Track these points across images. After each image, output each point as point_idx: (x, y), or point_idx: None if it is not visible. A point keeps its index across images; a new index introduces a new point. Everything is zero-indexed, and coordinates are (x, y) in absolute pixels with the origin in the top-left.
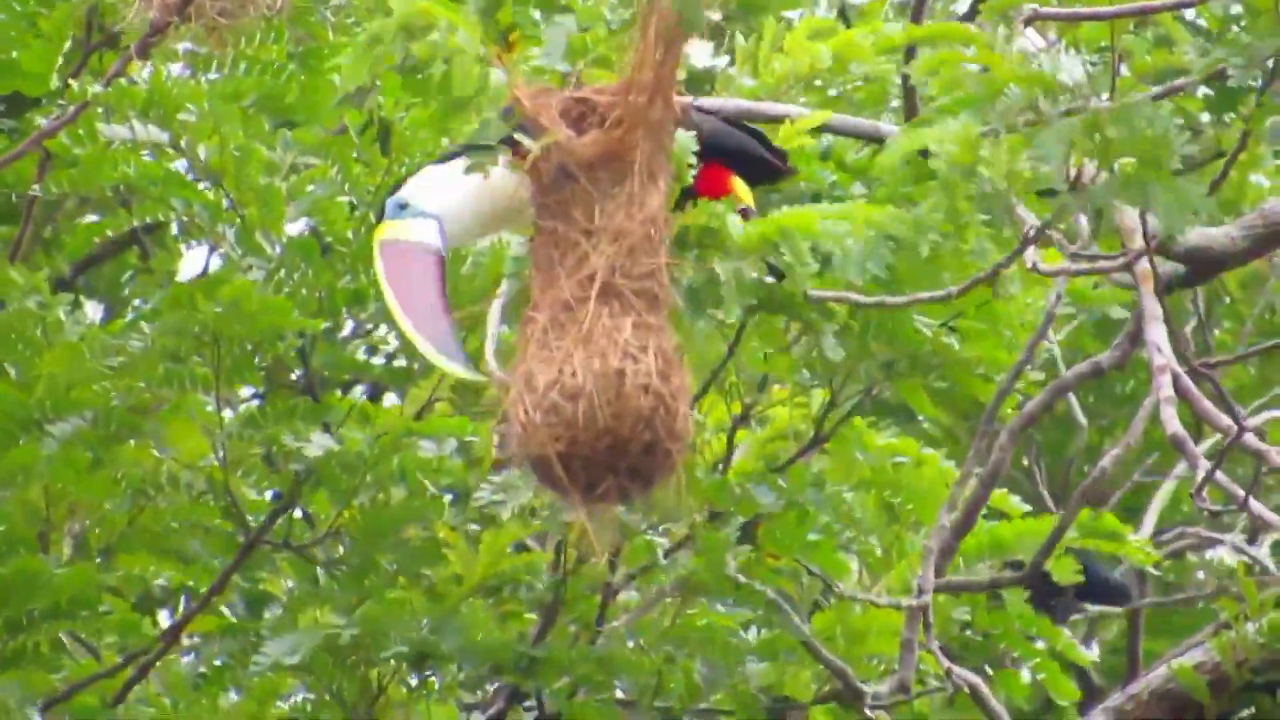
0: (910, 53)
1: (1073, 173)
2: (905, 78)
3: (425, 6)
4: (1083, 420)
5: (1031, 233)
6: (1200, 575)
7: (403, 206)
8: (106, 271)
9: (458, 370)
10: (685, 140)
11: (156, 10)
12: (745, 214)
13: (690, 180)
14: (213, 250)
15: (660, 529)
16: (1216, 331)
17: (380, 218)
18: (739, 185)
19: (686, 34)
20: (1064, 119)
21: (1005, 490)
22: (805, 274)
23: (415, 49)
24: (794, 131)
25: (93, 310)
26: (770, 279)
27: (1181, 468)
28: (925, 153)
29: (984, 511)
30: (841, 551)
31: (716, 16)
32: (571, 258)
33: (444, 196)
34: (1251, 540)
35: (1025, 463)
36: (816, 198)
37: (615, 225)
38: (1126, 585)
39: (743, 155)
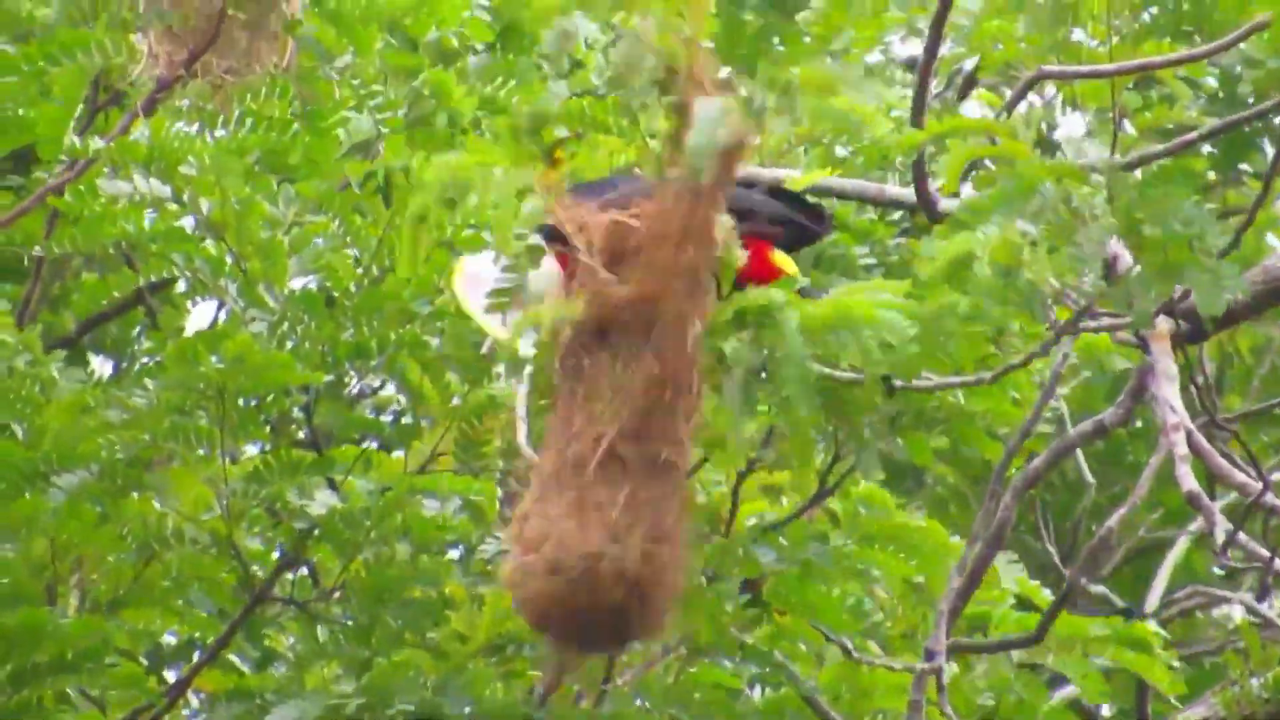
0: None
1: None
2: (917, 164)
3: (460, 165)
4: (1090, 479)
5: (1062, 322)
6: (1211, 632)
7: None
8: (114, 329)
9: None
10: (726, 220)
11: (163, 67)
12: (803, 293)
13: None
14: (220, 306)
15: None
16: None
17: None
18: (783, 261)
19: (694, 179)
20: (1100, 222)
21: (1019, 562)
22: (876, 372)
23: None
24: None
25: (100, 365)
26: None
27: (1194, 526)
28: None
29: (1010, 601)
30: (865, 634)
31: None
32: (590, 407)
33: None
34: (1261, 598)
35: (1033, 522)
36: (819, 260)
37: (635, 385)
38: None
39: (781, 222)
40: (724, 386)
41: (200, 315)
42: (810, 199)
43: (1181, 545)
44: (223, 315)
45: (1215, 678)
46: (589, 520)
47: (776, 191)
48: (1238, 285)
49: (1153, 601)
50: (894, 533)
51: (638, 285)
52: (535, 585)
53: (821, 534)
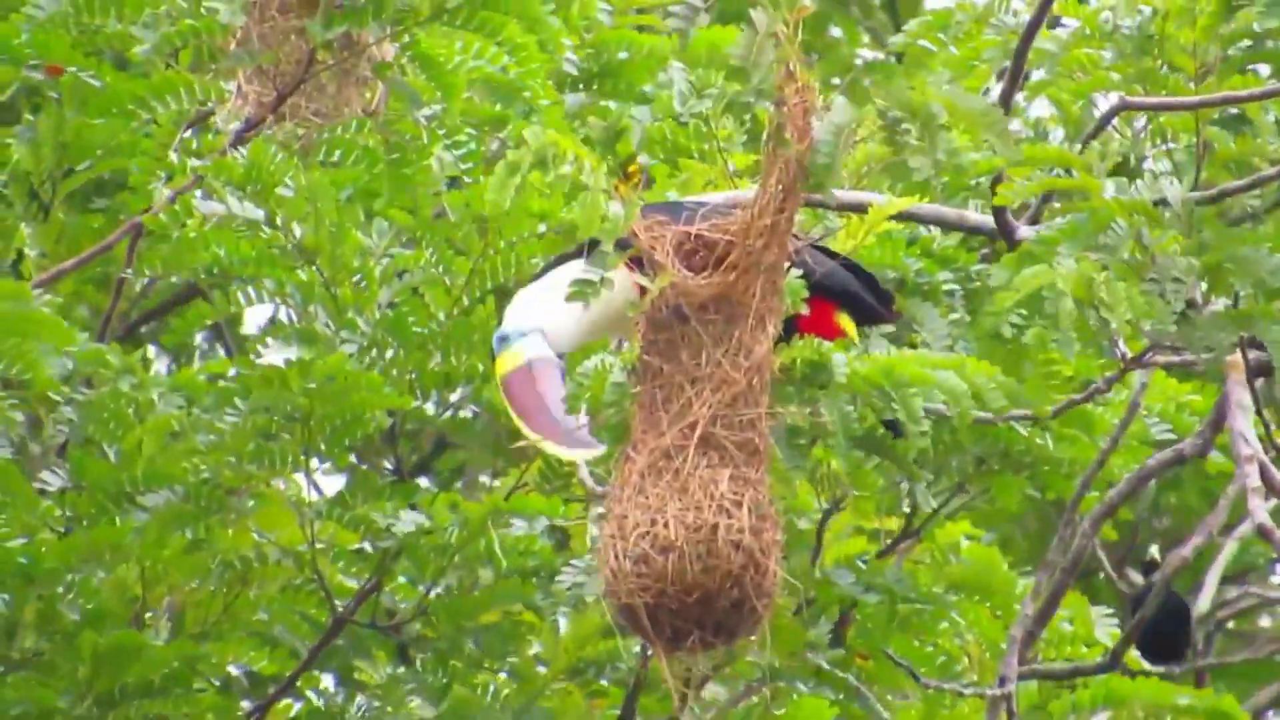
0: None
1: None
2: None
3: (557, 139)
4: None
5: (1131, 356)
6: (1264, 622)
7: (504, 339)
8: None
9: (592, 453)
10: (796, 284)
11: (251, 107)
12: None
13: (795, 313)
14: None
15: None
16: None
17: (493, 357)
18: (846, 323)
19: (817, 191)
20: (1179, 259)
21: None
22: (917, 432)
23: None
24: (877, 216)
25: (154, 355)
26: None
27: (1244, 528)
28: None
29: (1103, 661)
30: (951, 683)
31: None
32: (675, 403)
33: (544, 311)
34: None
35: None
36: (901, 284)
37: (721, 373)
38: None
39: (847, 298)
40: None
41: (258, 312)
42: (882, 285)
43: (1230, 548)
44: (281, 312)
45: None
46: (696, 500)
47: (852, 266)
48: None
49: (1204, 603)
50: (983, 581)
51: (722, 280)
52: (646, 570)
53: (909, 572)
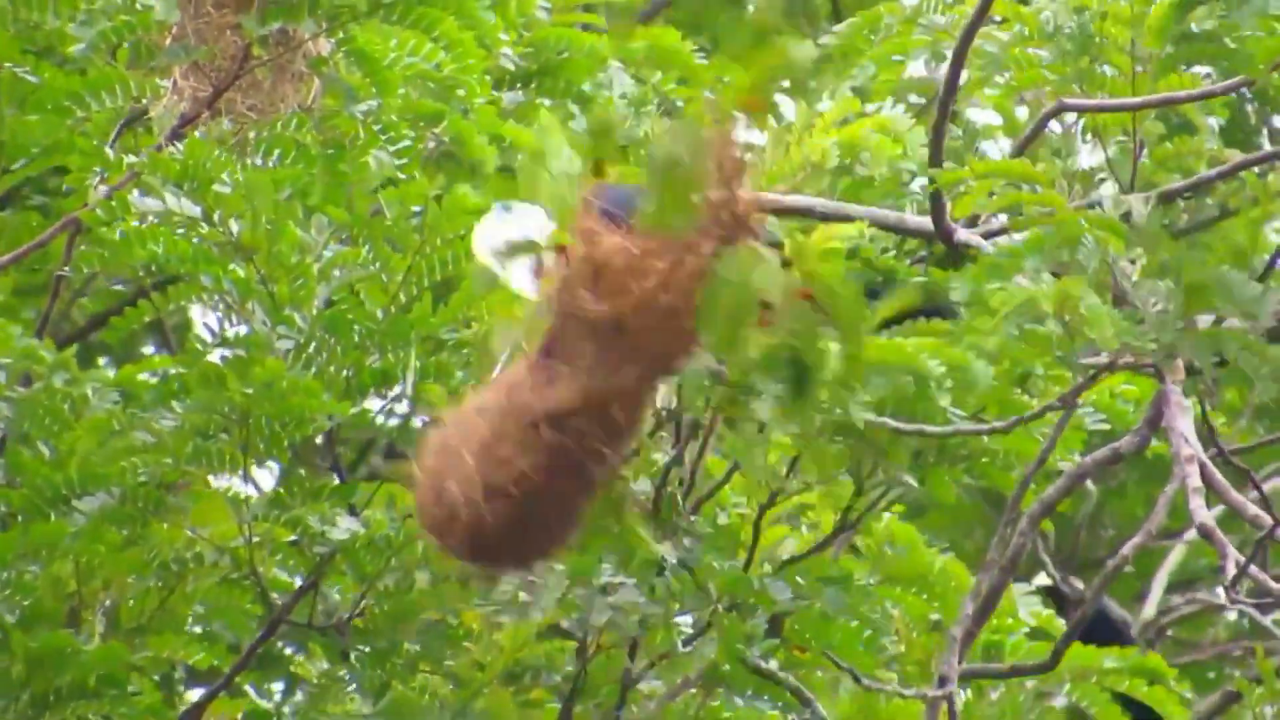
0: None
1: None
2: (935, 196)
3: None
4: (1090, 486)
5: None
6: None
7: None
8: (116, 322)
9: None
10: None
11: (187, 102)
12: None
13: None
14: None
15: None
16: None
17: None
18: None
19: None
20: (1155, 282)
21: (1036, 594)
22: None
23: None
24: (824, 238)
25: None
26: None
27: (1189, 535)
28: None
29: (1026, 629)
30: (882, 669)
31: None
32: (550, 373)
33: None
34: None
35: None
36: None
37: (596, 383)
38: (1128, 621)
39: None
40: (742, 422)
41: (202, 314)
42: None
43: (1177, 553)
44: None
45: (1214, 683)
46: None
47: None
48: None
49: (1149, 609)
50: (918, 572)
51: (611, 306)
52: (427, 510)
53: (845, 572)
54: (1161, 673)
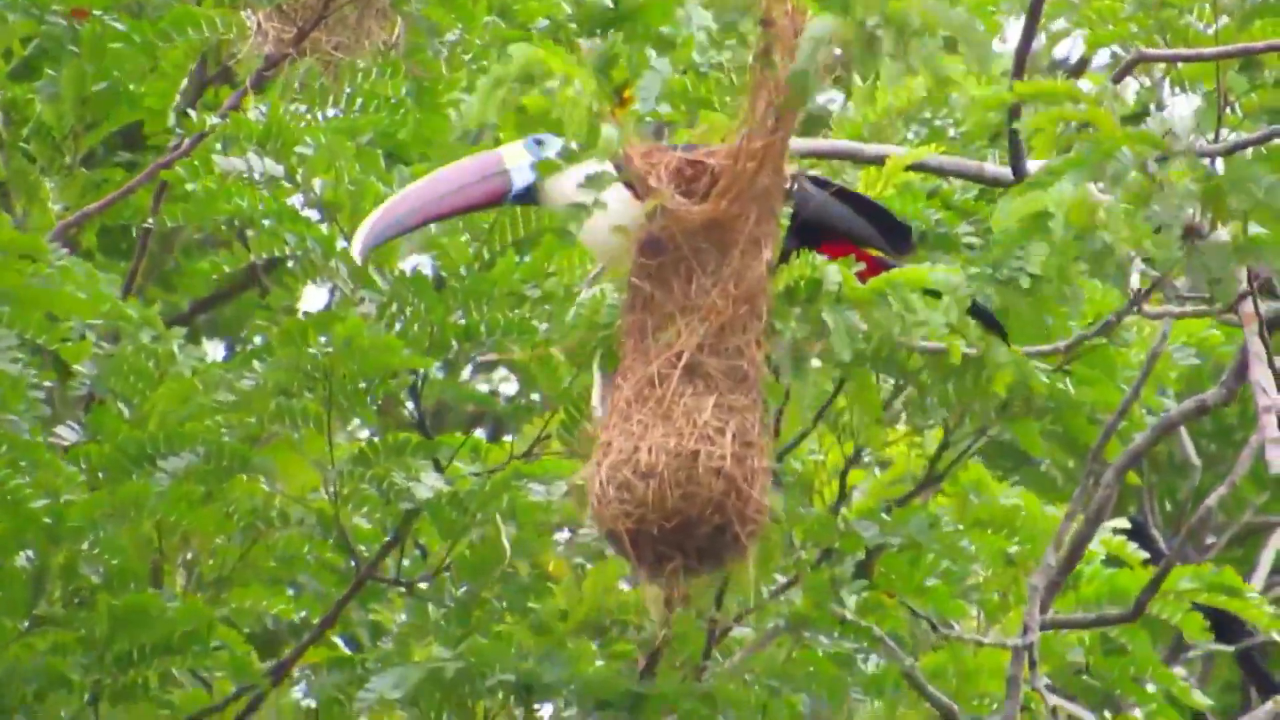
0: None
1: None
2: (1013, 133)
3: (542, 56)
4: (1196, 461)
5: (1142, 290)
6: None
7: (539, 142)
8: (228, 311)
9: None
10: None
11: (271, 45)
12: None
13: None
14: (332, 291)
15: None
16: None
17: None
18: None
19: (797, 105)
20: (1181, 185)
21: (1124, 538)
22: (913, 321)
23: (527, 100)
24: (895, 167)
25: (213, 349)
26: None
27: None
28: None
29: (1101, 557)
30: (961, 599)
31: (836, 52)
32: (663, 331)
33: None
34: None
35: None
36: (923, 236)
37: (710, 301)
38: None
39: (851, 236)
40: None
41: (313, 296)
42: (899, 218)
43: None
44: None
45: None
46: (679, 427)
47: (866, 204)
48: None
49: (1257, 584)
50: (1002, 517)
51: (714, 206)
52: (628, 496)
53: (932, 517)
54: (1238, 586)
